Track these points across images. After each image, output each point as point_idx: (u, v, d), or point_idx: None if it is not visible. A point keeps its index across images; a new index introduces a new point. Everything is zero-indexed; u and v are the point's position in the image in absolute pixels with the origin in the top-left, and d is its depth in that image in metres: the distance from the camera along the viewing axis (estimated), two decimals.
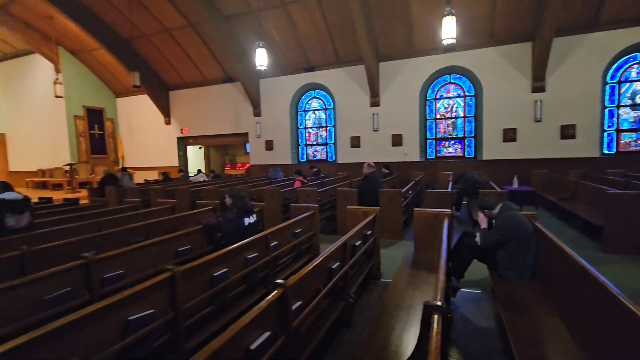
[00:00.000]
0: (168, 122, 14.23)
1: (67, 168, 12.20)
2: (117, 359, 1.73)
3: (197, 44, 11.80)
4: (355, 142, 11.03)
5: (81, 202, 6.76)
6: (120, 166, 14.47)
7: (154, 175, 13.85)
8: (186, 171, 12.74)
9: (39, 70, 13.60)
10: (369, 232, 3.72)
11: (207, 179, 10.36)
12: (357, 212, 4.01)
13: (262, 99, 12.21)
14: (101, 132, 14.67)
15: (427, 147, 10.50)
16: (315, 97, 11.85)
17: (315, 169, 9.90)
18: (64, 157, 13.42)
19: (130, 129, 15.19)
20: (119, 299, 1.74)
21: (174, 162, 14.26)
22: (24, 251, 2.66)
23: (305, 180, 7.49)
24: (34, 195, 7.11)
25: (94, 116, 14.43)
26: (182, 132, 14.03)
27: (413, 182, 7.57)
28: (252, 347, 1.51)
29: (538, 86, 8.78)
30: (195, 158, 15.27)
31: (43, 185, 13.59)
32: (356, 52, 10.34)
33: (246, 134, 12.74)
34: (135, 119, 15.02)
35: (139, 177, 12.81)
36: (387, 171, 8.89)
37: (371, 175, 6.14)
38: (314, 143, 12.03)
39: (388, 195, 5.70)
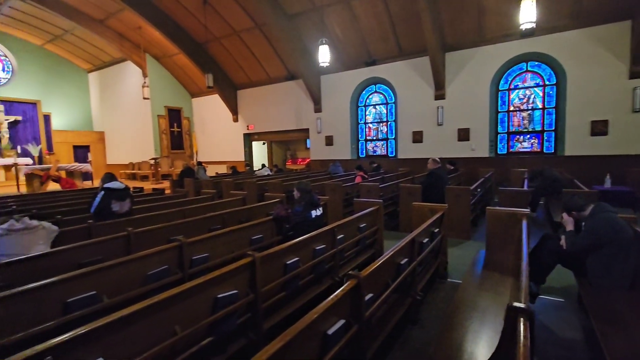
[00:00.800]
0: (236, 120, 15.19)
1: (152, 162, 13.76)
2: (208, 330, 1.93)
3: (263, 44, 12.36)
4: (417, 137, 10.63)
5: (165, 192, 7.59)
6: (195, 160, 15.89)
7: (223, 169, 14.94)
8: (251, 165, 13.51)
9: (130, 75, 15.49)
10: (436, 230, 3.59)
11: (270, 173, 10.83)
12: (424, 209, 3.88)
13: (322, 95, 12.37)
14: (179, 130, 16.21)
15: (498, 142, 9.70)
16: (376, 92, 11.66)
17: (376, 165, 9.78)
18: (149, 152, 15.15)
19: (203, 127, 16.55)
20: (210, 279, 1.94)
21: (241, 157, 15.20)
22: (129, 232, 3.10)
23: (366, 176, 7.45)
24: (129, 185, 8.24)
25: (174, 115, 16.00)
26: (248, 129, 14.88)
27: (482, 179, 7.08)
28: (330, 332, 1.58)
29: (639, 71, 7.54)
30: (259, 153, 16.08)
31: (133, 177, 15.51)
32: (420, 43, 9.91)
33: (307, 130, 13.04)
34: (207, 117, 16.31)
35: (210, 171, 13.92)
36: (452, 167, 8.44)
37: (437, 171, 5.89)
38: (374, 138, 11.87)
39: (455, 193, 5.42)
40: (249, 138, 15.38)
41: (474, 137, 9.74)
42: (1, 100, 14.00)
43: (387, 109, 11.53)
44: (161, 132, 15.44)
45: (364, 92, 11.88)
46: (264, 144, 15.81)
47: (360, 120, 12.07)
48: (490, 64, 9.35)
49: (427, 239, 3.23)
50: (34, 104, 15.05)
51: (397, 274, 2.51)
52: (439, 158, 7.48)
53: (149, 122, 15.22)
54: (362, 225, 3.75)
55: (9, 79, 14.85)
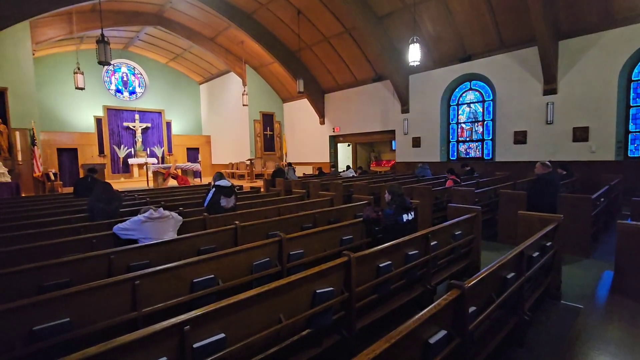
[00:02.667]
0: (322, 122, 15.76)
1: (248, 162, 15.20)
2: (306, 322, 2.07)
3: (351, 47, 12.56)
4: (519, 138, 9.47)
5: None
6: (285, 161, 17.00)
7: (309, 170, 15.65)
8: (336, 167, 13.81)
9: (232, 85, 17.39)
10: (548, 244, 3.16)
11: (355, 175, 10.92)
12: (532, 218, 3.45)
13: (410, 95, 11.99)
14: (271, 133, 17.58)
15: (629, 143, 8.00)
16: (470, 89, 10.79)
17: (469, 168, 9.05)
18: (246, 153, 16.76)
19: (292, 130, 17.60)
20: (310, 274, 2.07)
21: (326, 158, 15.69)
22: (237, 226, 3.50)
23: (459, 180, 6.96)
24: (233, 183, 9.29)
25: (267, 120, 17.43)
26: (333, 131, 15.29)
27: (607, 186, 5.95)
28: (431, 341, 1.54)
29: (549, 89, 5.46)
30: (344, 155, 16.35)
31: (232, 176, 17.37)
32: (526, 32, 8.80)
33: (392, 132, 12.80)
34: (296, 120, 17.29)
35: (298, 171, 14.74)
36: (564, 172, 7.28)
37: (546, 176, 5.16)
38: (467, 139, 11.00)
39: (572, 202, 4.67)
40: (334, 140, 15.78)
41: (594, 137, 8.23)
42: (138, 111, 17.22)
43: (483, 107, 10.56)
44: (256, 135, 16.96)
45: (456, 90, 11.12)
46: (348, 145, 16.03)
47: (452, 120, 11.32)
48: (619, 50, 7.77)
49: (537, 253, 2.87)
50: (159, 113, 18.11)
51: (502, 289, 2.29)
52: (549, 161, 6.53)
53: (246, 126, 16.87)
54: (457, 233, 3.53)
55: (142, 93, 18.14)
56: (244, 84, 15.95)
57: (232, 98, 17.49)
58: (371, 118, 13.48)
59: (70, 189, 10.33)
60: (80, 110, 15.80)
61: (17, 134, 10.62)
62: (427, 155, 11.51)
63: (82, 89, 11.08)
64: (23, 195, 9.48)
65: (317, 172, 12.09)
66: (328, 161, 15.50)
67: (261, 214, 4.69)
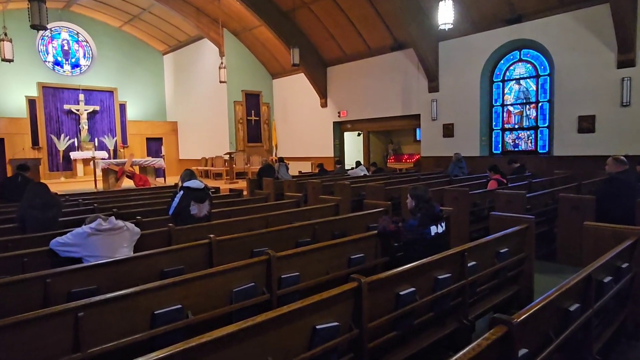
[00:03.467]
0: (324, 104, 15.78)
1: (227, 157, 15.21)
2: None
3: (363, 6, 12.57)
4: (585, 124, 9.46)
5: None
6: (275, 156, 17.01)
7: (307, 167, 15.69)
8: (343, 163, 13.80)
9: (206, 56, 17.43)
10: (624, 265, 3.15)
11: (367, 174, 10.93)
12: (604, 232, 3.44)
13: (440, 69, 12.01)
14: (257, 118, 17.62)
15: None
16: (520, 60, 10.81)
17: (518, 165, 9.07)
18: (224, 145, 16.80)
19: (284, 113, 17.62)
20: (307, 305, 2.05)
21: (329, 151, 15.72)
22: (212, 240, 3.49)
23: (504, 180, 6.96)
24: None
25: (251, 101, 17.46)
26: (339, 116, 15.32)
27: None
28: None
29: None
30: (353, 147, 16.37)
31: (205, 175, 17.41)
32: None
33: (417, 117, 12.83)
34: (290, 101, 17.32)
35: (293, 169, 14.73)
36: None
37: (621, 176, 5.16)
38: (516, 127, 11.01)
39: None
40: (339, 128, 15.80)
41: None
42: (83, 89, 17.28)
43: (537, 85, 10.57)
44: (237, 122, 17.00)
45: (502, 62, 11.14)
46: (359, 135, 16.05)
47: (496, 102, 11.34)
48: None
49: (609, 278, 2.85)
50: (110, 92, 18.17)
51: (563, 325, 2.28)
52: (625, 156, 6.52)
53: (224, 110, 16.91)
54: (502, 251, 3.51)
55: (89, 66, 18.19)
56: (221, 54, 15.98)
57: (205, 73, 17.54)
58: (389, 99, 13.50)
59: None
60: (7, 89, 15.87)
61: None
62: (463, 147, 11.52)
63: (10, 60, 11.11)
64: None
65: (317, 170, 12.10)
66: (332, 156, 15.55)
67: (244, 225, 4.68)
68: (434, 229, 3.49)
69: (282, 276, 2.97)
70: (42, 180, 8.91)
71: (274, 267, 2.90)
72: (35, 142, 16.09)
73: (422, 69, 12.20)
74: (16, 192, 6.43)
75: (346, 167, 13.92)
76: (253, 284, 2.80)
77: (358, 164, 11.76)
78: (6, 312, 2.37)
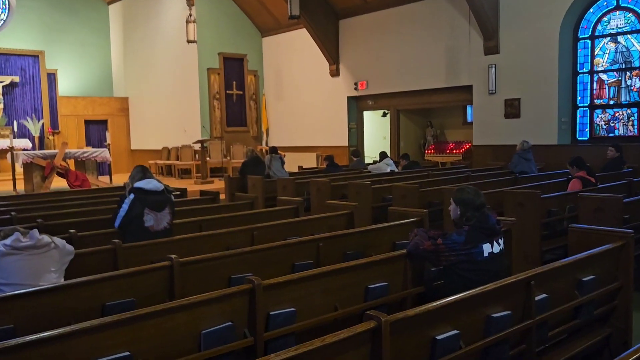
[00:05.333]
0: (335, 73, 15.78)
1: (197, 147, 15.29)
2: None
3: None
4: None
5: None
6: (265, 144, 17.05)
7: (311, 160, 15.71)
8: (361, 155, 13.75)
9: (168, 5, 17.54)
10: None
11: (396, 170, 10.92)
12: None
13: (502, 22, 11.97)
14: (240, 93, 17.67)
15: None
16: (618, 8, 10.77)
17: (617, 155, 8.98)
18: (193, 130, 16.89)
19: (278, 86, 17.66)
20: (308, 351, 2.07)
21: (342, 139, 15.73)
22: (173, 262, 3.51)
23: (592, 179, 6.93)
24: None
25: (233, 68, 17.51)
26: (356, 89, 15.31)
27: None
28: None
29: None
30: (376, 133, 16.34)
31: (167, 171, 17.53)
32: None
33: (468, 89, 12.82)
34: (286, 69, 17.34)
35: (291, 163, 14.78)
36: None
37: None
38: (612, 103, 10.94)
39: None
40: (357, 105, 15.77)
41: None
42: None
43: None
44: (212, 97, 17.09)
45: (591, 10, 11.12)
46: (384, 115, 16.02)
47: (582, 68, 11.31)
48: None
49: None
50: (35, 57, 18.34)
51: None
52: None
53: (193, 81, 17.00)
54: (586, 279, 3.50)
55: (4, 21, 18.39)
56: (190, 3, 16.02)
57: (167, 29, 17.66)
58: (427, 64, 13.47)
59: None
60: None
61: None
62: (533, 132, 11.46)
63: None
64: None
65: (324, 165, 12.10)
66: (345, 145, 15.56)
67: (219, 242, 4.70)
68: (487, 248, 3.48)
69: (271, 313, 2.97)
70: None
71: (259, 300, 2.90)
72: None
73: (476, 23, 12.14)
74: None
75: (366, 161, 13.92)
76: (230, 323, 2.81)
77: (383, 156, 11.72)
78: None
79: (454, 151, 14.35)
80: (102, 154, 13.46)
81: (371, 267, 3.63)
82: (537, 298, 3.09)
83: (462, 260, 3.45)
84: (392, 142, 15.43)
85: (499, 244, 3.55)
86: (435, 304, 2.62)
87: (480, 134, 12.62)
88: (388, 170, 10.71)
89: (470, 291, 2.82)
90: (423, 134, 16.22)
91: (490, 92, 12.20)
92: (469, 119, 14.39)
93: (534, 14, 11.43)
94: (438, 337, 2.58)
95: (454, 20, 12.83)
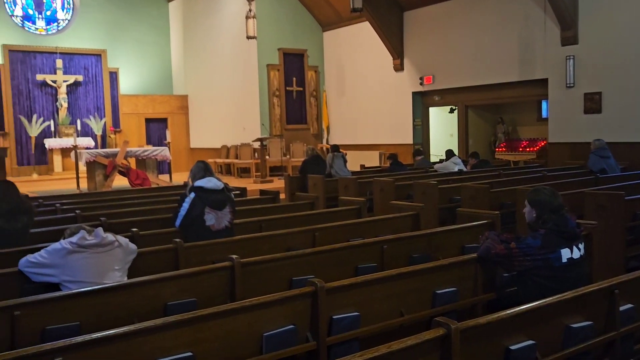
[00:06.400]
0: (399, 67, 15.71)
1: (257, 145, 15.52)
2: None
3: None
4: None
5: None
6: (326, 142, 17.14)
7: (373, 159, 15.67)
8: (426, 153, 13.62)
9: (229, 1, 17.87)
10: None
11: (464, 169, 10.80)
12: None
13: (581, 10, 11.67)
14: (301, 89, 17.83)
15: None
16: None
17: None
18: (253, 129, 17.16)
19: (340, 82, 17.72)
20: (372, 358, 2.06)
21: (407, 136, 15.65)
22: (234, 263, 3.59)
23: None
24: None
25: (293, 64, 17.69)
26: (421, 84, 15.20)
27: None
28: None
29: None
30: (442, 130, 16.15)
31: (227, 170, 17.90)
32: None
33: (543, 83, 12.57)
34: (348, 64, 17.38)
35: (353, 162, 14.77)
36: None
37: None
38: None
39: None
40: (422, 101, 15.65)
41: None
42: (61, 53, 18.34)
43: None
44: (271, 95, 17.33)
45: None
46: (452, 111, 15.81)
47: None
48: None
49: None
50: (97, 57, 19.18)
51: None
52: None
53: (253, 78, 17.30)
54: None
55: (68, 21, 19.30)
56: None
57: (227, 26, 18.04)
58: (498, 57, 13.27)
59: None
60: None
61: None
62: (615, 128, 11.13)
63: None
64: None
65: (387, 164, 12.05)
66: (410, 142, 15.49)
67: (280, 243, 4.78)
68: (566, 253, 3.41)
69: (334, 317, 3.00)
70: (8, 178, 9.60)
71: (322, 303, 2.94)
72: (0, 125, 17.31)
73: (552, 11, 11.84)
74: None
75: (432, 160, 13.78)
76: (292, 326, 2.86)
77: (450, 154, 11.59)
78: None
79: (527, 149, 14.08)
80: (162, 152, 13.88)
81: (439, 271, 3.62)
82: (621, 308, 3.01)
83: (538, 266, 3.41)
84: (460, 140, 15.24)
85: (579, 249, 3.48)
86: (509, 311, 2.59)
87: (557, 131, 12.31)
88: (456, 169, 10.60)
89: (548, 299, 2.78)
90: (493, 131, 15.96)
91: (568, 85, 11.86)
92: (543, 114, 14.10)
93: (616, 0, 11.00)
94: (512, 347, 2.55)
95: (528, 9, 12.55)
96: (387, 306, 3.31)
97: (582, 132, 11.68)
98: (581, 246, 3.49)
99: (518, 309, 2.63)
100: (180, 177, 14.46)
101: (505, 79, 13.25)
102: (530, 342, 2.60)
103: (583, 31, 11.62)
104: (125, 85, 19.91)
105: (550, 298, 2.78)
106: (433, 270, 3.59)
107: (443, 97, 15.15)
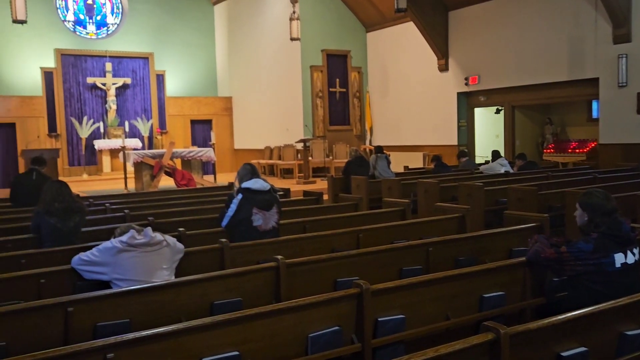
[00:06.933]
0: (444, 67, 15.57)
1: (300, 146, 15.61)
2: None
3: None
4: None
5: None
6: (369, 144, 17.10)
7: (417, 161, 15.58)
8: (471, 154, 13.46)
9: (272, 2, 18.05)
10: None
11: (510, 170, 10.67)
12: None
13: (634, 6, 11.39)
14: (344, 90, 17.85)
15: None
16: None
17: None
18: (296, 130, 17.27)
19: (383, 83, 17.68)
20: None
21: (451, 137, 15.52)
22: (280, 264, 3.62)
23: None
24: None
25: (336, 65, 17.74)
26: (466, 84, 15.04)
27: None
28: None
29: None
30: (488, 131, 15.94)
31: (270, 171, 18.06)
32: None
33: (593, 82, 12.32)
34: (391, 65, 17.33)
35: (396, 163, 14.70)
36: None
37: None
38: None
39: None
40: (467, 102, 15.50)
41: None
42: (110, 57, 18.88)
43: None
44: (315, 96, 17.41)
45: None
46: (498, 112, 15.60)
47: None
48: None
49: None
50: (144, 60, 19.66)
51: None
52: None
53: (296, 79, 17.43)
54: None
55: (117, 25, 19.85)
56: (294, 0, 16.43)
57: (271, 27, 18.22)
58: (546, 56, 13.06)
59: (5, 192, 11.68)
60: (19, 59, 17.89)
61: None
62: None
63: (22, 22, 12.48)
64: None
65: (432, 165, 11.96)
66: (455, 144, 15.36)
67: (323, 244, 4.80)
68: (619, 258, 3.34)
69: (380, 319, 3.00)
70: (59, 178, 9.93)
71: (367, 305, 2.94)
72: (52, 127, 17.94)
73: (603, 8, 11.57)
74: (31, 193, 7.21)
75: (477, 161, 13.63)
76: (337, 327, 2.87)
77: (496, 155, 11.41)
78: (23, 346, 2.70)
79: (577, 150, 13.84)
80: (207, 153, 14.11)
81: (486, 275, 3.59)
82: None
83: (590, 271, 3.35)
84: (506, 141, 15.02)
85: (633, 254, 3.40)
86: (560, 317, 2.54)
87: (608, 132, 12.03)
88: (502, 171, 10.48)
89: (601, 305, 2.72)
90: (541, 131, 15.70)
91: (620, 84, 11.59)
92: (594, 114, 13.84)
93: None
94: (563, 354, 2.51)
95: (577, 7, 12.30)
96: (433, 309, 3.29)
97: (635, 133, 11.46)
98: (636, 251, 3.41)
99: (570, 314, 2.59)
100: (224, 178, 14.68)
101: (553, 79, 13.01)
102: (583, 349, 2.56)
103: (636, 29, 11.35)
104: (172, 87, 20.33)
105: (604, 304, 2.72)
106: (480, 273, 3.56)
107: (489, 97, 14.96)
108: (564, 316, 2.56)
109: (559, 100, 14.03)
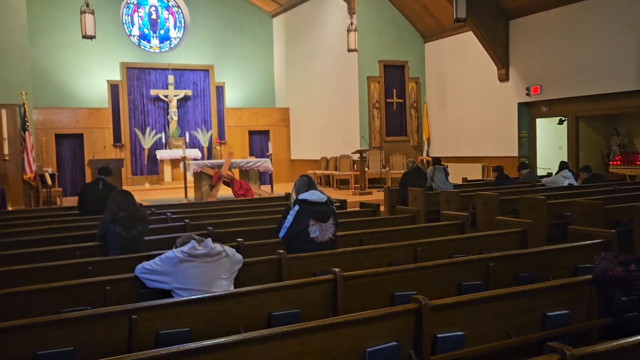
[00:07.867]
0: (504, 77, 15.30)
1: (356, 157, 15.63)
2: None
3: None
4: None
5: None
6: (426, 155, 16.94)
7: (476, 172, 15.32)
8: (532, 166, 13.13)
9: (330, 14, 18.24)
10: None
11: (575, 183, 10.37)
12: None
13: None
14: (401, 101, 17.77)
15: None
16: None
17: None
18: (352, 140, 17.32)
19: (441, 93, 17.51)
20: None
21: (512, 149, 15.20)
22: (337, 277, 3.62)
23: None
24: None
25: (393, 76, 17.69)
26: (528, 94, 14.73)
27: None
28: None
29: None
30: (551, 142, 15.54)
31: (326, 182, 18.13)
32: None
33: None
34: (450, 75, 17.15)
35: (453, 174, 14.49)
36: None
37: None
38: None
39: None
40: (529, 112, 15.18)
41: None
42: (172, 69, 19.48)
43: None
44: (371, 107, 17.41)
45: None
46: (561, 122, 15.17)
47: None
48: None
49: None
50: (205, 72, 20.17)
51: None
52: None
53: (353, 90, 17.48)
54: None
55: (179, 39, 20.49)
56: (351, 11, 16.53)
57: (328, 39, 18.38)
58: (612, 65, 12.69)
59: (73, 200, 12.21)
60: (87, 72, 18.70)
61: (3, 112, 13.07)
62: None
63: (91, 37, 13.07)
64: (10, 209, 11.64)
65: (492, 177, 11.72)
66: (515, 155, 15.05)
67: (380, 256, 4.79)
68: None
69: (439, 335, 2.97)
70: (123, 187, 10.30)
71: (426, 320, 2.91)
72: (117, 138, 18.65)
73: None
74: (97, 202, 7.53)
75: (538, 173, 13.31)
76: (395, 342, 2.85)
77: (563, 166, 11.08)
78: (88, 351, 2.80)
79: None
80: (265, 163, 14.31)
81: (550, 292, 3.49)
82: None
83: None
84: (570, 153, 14.59)
85: None
86: (631, 339, 2.43)
87: None
88: (566, 183, 10.18)
89: None
90: (607, 143, 15.12)
91: None
92: None
93: None
94: None
95: None
96: (493, 326, 3.23)
97: None
98: None
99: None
100: (281, 188, 14.83)
101: (619, 88, 12.58)
102: None
103: None
104: (231, 98, 20.76)
105: None
106: (543, 291, 3.47)
107: (551, 107, 14.58)
108: (635, 338, 2.45)
109: (626, 111, 13.52)
